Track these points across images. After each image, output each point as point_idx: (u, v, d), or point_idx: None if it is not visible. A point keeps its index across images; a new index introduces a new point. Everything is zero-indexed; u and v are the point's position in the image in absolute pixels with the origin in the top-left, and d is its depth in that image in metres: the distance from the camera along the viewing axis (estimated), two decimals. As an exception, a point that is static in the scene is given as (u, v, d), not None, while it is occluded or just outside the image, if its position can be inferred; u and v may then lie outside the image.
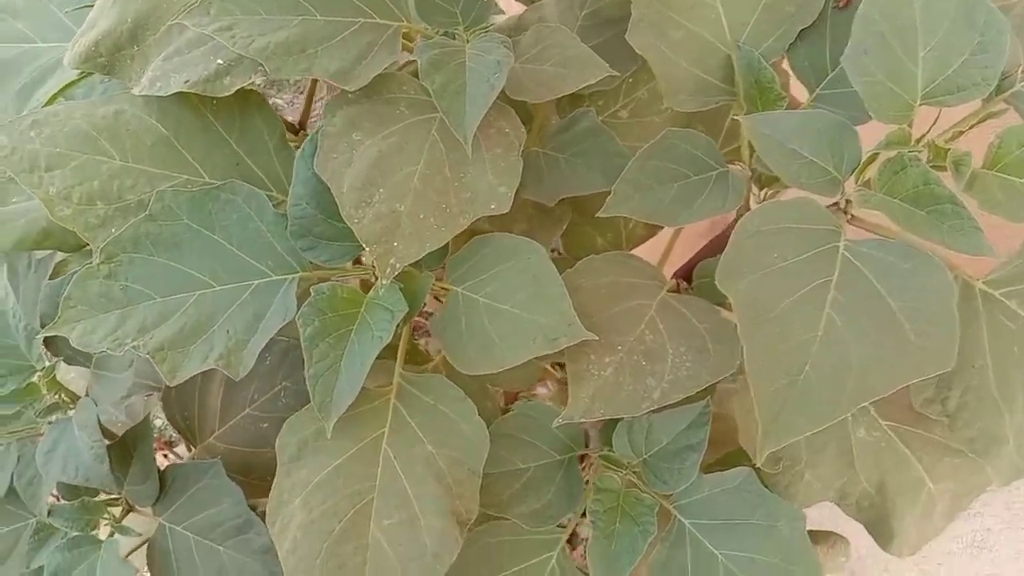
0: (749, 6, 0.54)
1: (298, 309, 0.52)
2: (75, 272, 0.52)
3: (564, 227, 0.63)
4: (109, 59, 0.55)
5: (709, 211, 0.54)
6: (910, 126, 0.49)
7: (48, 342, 0.72)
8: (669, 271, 0.66)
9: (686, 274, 0.65)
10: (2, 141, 0.53)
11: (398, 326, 0.52)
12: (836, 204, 0.51)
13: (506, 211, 0.50)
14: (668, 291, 0.60)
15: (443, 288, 0.55)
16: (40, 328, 0.69)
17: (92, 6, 0.57)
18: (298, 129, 0.74)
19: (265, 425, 0.74)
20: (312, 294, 0.53)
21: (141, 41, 0.55)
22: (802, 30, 0.54)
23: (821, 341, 0.44)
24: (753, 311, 0.46)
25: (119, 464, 0.70)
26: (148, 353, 0.51)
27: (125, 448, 0.71)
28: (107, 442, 0.68)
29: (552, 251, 0.69)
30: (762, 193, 0.63)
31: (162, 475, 0.71)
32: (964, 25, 0.47)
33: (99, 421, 0.68)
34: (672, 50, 0.54)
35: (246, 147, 0.58)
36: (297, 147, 0.54)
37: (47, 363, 0.75)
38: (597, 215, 0.54)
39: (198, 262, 0.53)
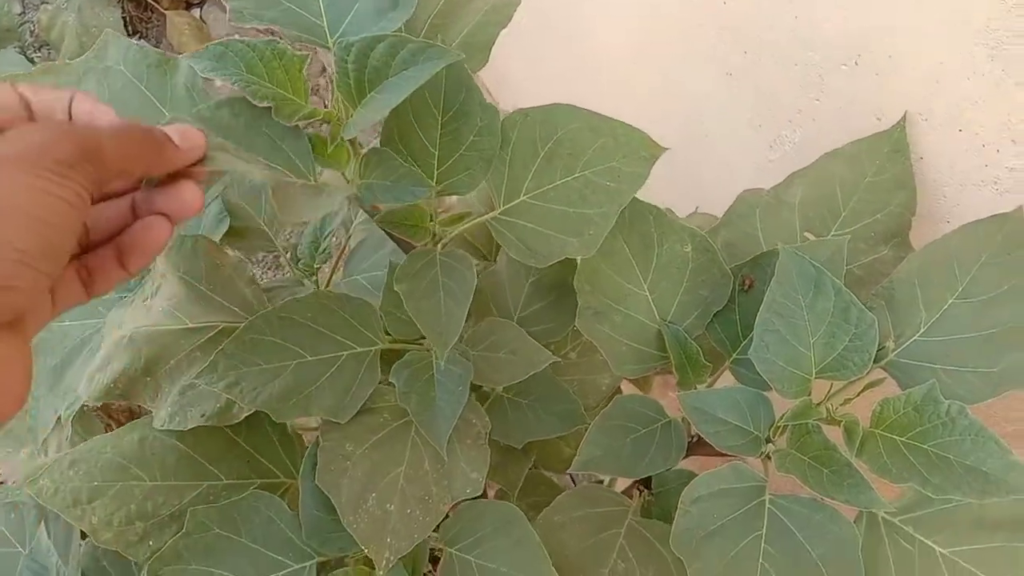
0: (671, 292, 0.65)
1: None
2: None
3: (532, 462, 0.73)
4: (124, 391, 0.63)
5: (659, 461, 0.65)
6: (810, 394, 0.60)
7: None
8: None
9: (647, 481, 0.76)
10: (46, 483, 0.60)
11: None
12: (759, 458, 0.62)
13: (479, 494, 0.60)
14: (632, 514, 0.71)
15: (438, 548, 0.65)
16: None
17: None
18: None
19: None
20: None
21: (154, 373, 0.63)
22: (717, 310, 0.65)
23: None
24: (702, 570, 0.57)
25: None
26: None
27: None
28: None
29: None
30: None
31: None
32: (841, 319, 0.59)
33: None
34: (613, 331, 0.65)
35: (253, 443, 0.67)
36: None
37: None
38: (569, 471, 0.65)
39: (232, 563, 0.61)
